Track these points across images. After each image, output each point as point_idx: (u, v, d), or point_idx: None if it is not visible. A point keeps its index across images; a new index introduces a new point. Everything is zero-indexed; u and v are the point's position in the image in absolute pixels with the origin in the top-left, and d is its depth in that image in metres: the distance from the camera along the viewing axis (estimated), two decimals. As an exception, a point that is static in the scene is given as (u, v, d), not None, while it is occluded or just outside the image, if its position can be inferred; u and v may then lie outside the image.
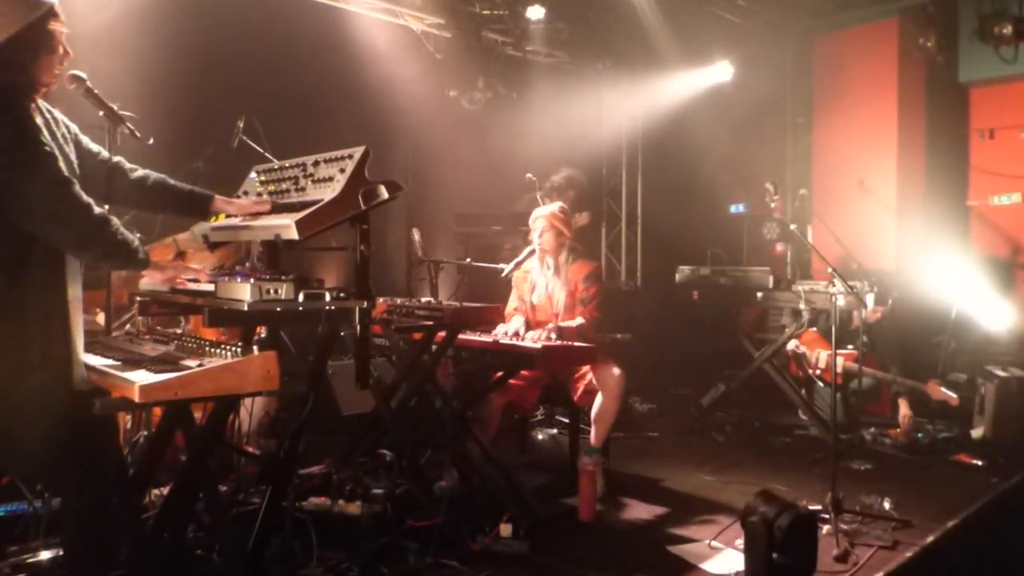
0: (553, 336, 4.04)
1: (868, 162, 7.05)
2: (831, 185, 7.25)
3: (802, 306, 5.14)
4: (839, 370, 4.77)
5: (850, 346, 5.47)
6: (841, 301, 4.41)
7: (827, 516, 3.67)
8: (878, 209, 6.92)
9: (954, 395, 5.26)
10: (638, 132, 8.46)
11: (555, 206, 4.55)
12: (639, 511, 4.07)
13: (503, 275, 4.51)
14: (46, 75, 2.35)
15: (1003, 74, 6.73)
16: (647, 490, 4.42)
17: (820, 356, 5.65)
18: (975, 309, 6.39)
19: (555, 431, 5.65)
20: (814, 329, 5.72)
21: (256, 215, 2.85)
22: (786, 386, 5.58)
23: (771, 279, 5.43)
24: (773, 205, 4.83)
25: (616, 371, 4.21)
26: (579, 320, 4.30)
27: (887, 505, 3.97)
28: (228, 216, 2.92)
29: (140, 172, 2.73)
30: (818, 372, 5.70)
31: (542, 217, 4.46)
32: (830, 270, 4.18)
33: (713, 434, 5.63)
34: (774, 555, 2.99)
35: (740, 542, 3.25)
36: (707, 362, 6.98)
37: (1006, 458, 4.89)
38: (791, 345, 5.76)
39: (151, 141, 2.93)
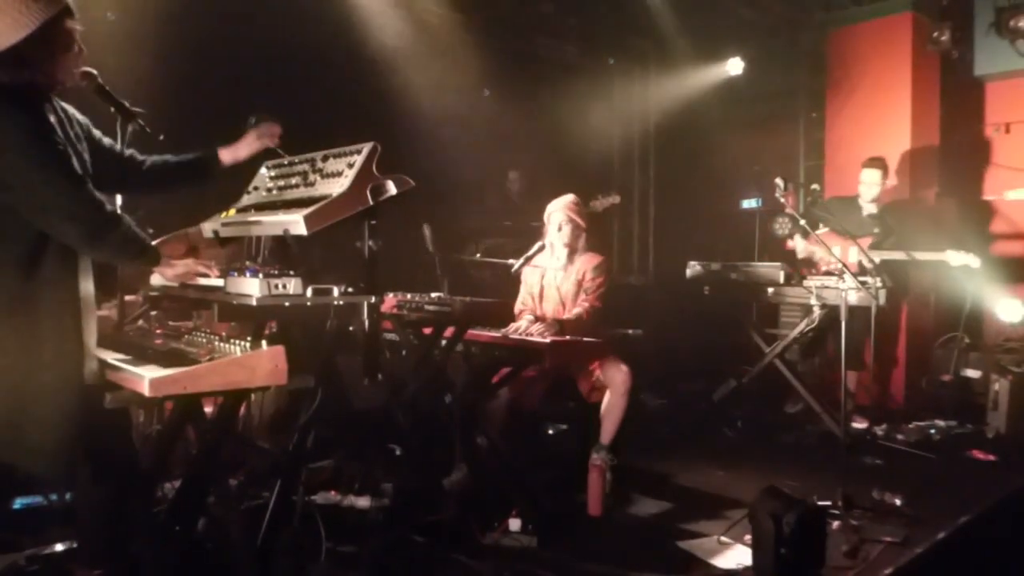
0: (552, 329, 4.03)
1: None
2: (843, 180, 7.19)
3: (813, 301, 5.12)
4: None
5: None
6: (852, 297, 4.39)
7: (837, 511, 3.66)
8: (891, 204, 6.86)
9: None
10: (650, 127, 8.43)
11: (569, 197, 4.48)
12: (648, 506, 4.07)
13: (513, 270, 4.50)
14: (61, 73, 2.37)
15: (1019, 68, 6.64)
16: (656, 485, 4.41)
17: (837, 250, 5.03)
18: (989, 304, 6.34)
19: (564, 426, 5.64)
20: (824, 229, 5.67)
21: (268, 210, 2.87)
22: (796, 382, 5.56)
23: (782, 274, 5.41)
24: (783, 200, 4.80)
25: (623, 368, 4.19)
26: (577, 310, 4.28)
27: (898, 501, 3.95)
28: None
29: (149, 160, 2.80)
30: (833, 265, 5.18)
31: (560, 210, 4.41)
32: (840, 265, 4.17)
33: (723, 429, 5.63)
34: (782, 550, 2.99)
35: (749, 537, 3.25)
36: (718, 357, 6.95)
37: (1020, 454, 4.86)
38: (799, 252, 5.69)
39: (161, 137, 2.95)
